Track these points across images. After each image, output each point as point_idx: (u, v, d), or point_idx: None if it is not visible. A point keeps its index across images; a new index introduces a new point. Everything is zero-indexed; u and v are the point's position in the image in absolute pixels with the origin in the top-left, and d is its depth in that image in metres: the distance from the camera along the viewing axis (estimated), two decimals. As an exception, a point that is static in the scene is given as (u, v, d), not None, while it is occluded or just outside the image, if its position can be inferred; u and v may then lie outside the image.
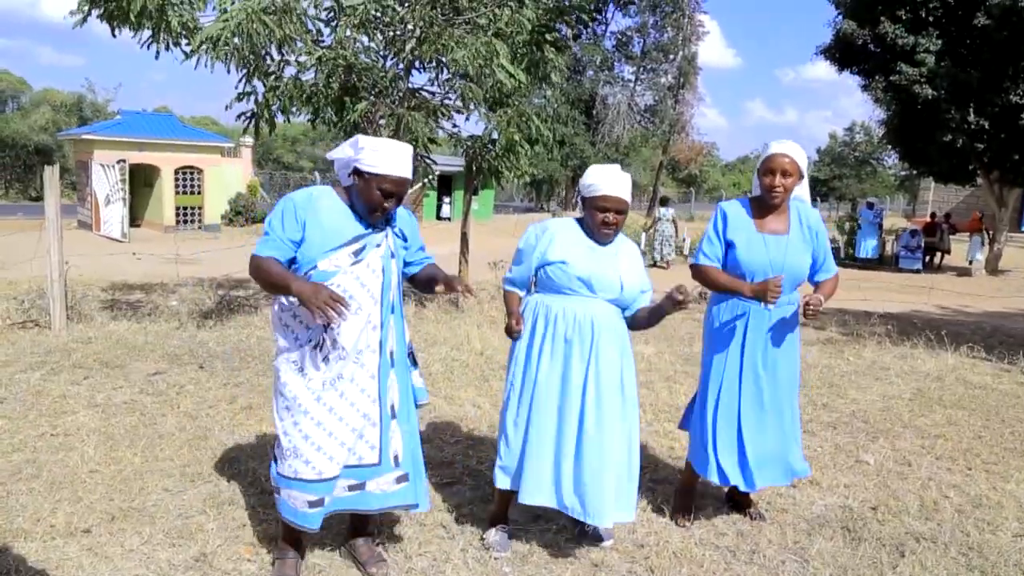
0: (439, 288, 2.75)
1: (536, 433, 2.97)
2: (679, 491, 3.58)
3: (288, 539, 2.89)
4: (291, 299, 2.66)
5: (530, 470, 2.97)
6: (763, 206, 3.24)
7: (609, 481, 2.93)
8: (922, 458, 4.36)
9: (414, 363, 2.99)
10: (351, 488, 2.77)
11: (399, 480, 2.82)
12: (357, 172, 2.65)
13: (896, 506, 3.67)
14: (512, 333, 3.06)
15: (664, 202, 17.37)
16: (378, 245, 2.73)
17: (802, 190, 3.32)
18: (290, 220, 2.65)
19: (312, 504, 2.69)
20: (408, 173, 2.67)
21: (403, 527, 3.27)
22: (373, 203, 2.65)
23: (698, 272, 3.31)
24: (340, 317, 2.48)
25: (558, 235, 3.03)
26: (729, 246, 3.24)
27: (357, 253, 2.68)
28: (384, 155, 2.62)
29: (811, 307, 3.05)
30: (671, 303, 2.87)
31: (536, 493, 2.97)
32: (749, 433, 3.26)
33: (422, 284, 2.96)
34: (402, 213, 2.87)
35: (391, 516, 3.30)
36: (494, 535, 3.16)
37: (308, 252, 2.65)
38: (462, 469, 3.98)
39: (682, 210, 41.94)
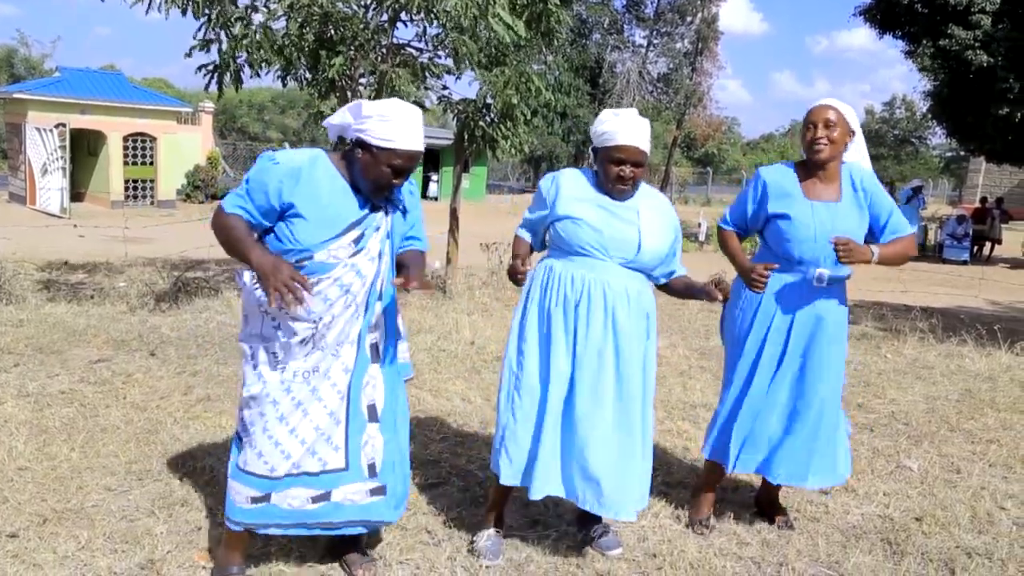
0: (396, 281, 2.63)
1: (537, 416, 2.94)
2: (696, 495, 3.56)
3: (231, 546, 2.83)
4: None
5: (538, 459, 2.93)
6: (811, 169, 3.23)
7: (631, 467, 2.94)
8: (973, 465, 4.33)
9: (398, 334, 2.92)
10: (315, 500, 2.68)
11: (373, 492, 2.76)
12: (361, 145, 2.53)
13: (944, 517, 3.65)
14: (516, 275, 2.93)
15: None
16: (378, 228, 2.65)
17: (859, 154, 3.30)
18: (263, 187, 2.52)
19: (255, 500, 2.66)
20: (422, 144, 2.57)
21: (383, 531, 3.22)
22: (380, 182, 2.55)
23: (719, 236, 3.50)
24: (299, 304, 2.41)
25: (564, 187, 2.99)
26: (773, 217, 3.23)
27: (358, 240, 2.59)
28: (396, 125, 2.50)
29: (840, 246, 2.96)
30: (706, 295, 2.91)
31: (544, 484, 2.93)
32: (769, 417, 3.28)
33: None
34: (406, 187, 2.77)
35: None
36: (484, 541, 3.13)
37: (302, 236, 2.53)
38: (449, 469, 3.94)
39: (698, 192, 42.10)
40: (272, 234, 2.60)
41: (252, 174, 2.55)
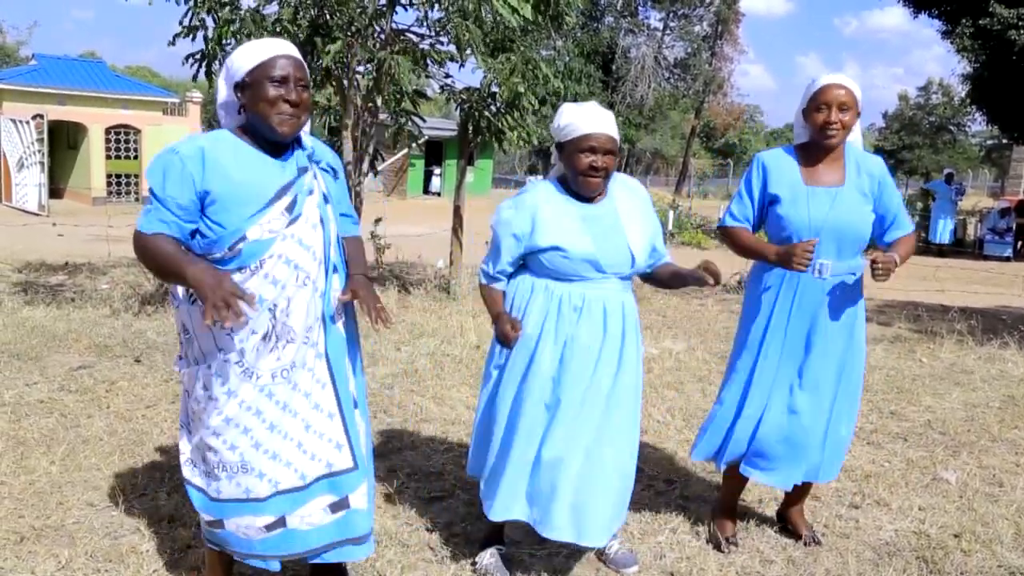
0: (344, 297, 2.60)
1: (525, 442, 2.97)
2: (716, 510, 3.57)
3: (214, 570, 2.79)
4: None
5: (512, 483, 2.99)
6: (813, 153, 3.23)
7: (611, 497, 3.00)
8: (1017, 477, 4.32)
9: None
10: (334, 508, 2.59)
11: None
12: (240, 87, 2.50)
13: (985, 534, 3.63)
14: (508, 341, 2.95)
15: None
16: (311, 191, 2.57)
17: (855, 133, 3.30)
18: (176, 180, 2.41)
19: (270, 527, 2.56)
20: (289, 50, 2.52)
21: (383, 547, 3.23)
22: (272, 108, 2.46)
23: (725, 235, 3.41)
24: (237, 320, 2.30)
25: (540, 211, 2.93)
26: (773, 202, 3.25)
27: (290, 208, 2.50)
28: (252, 46, 2.51)
29: (880, 264, 3.01)
30: (697, 281, 2.89)
31: (509, 507, 3.01)
32: (773, 413, 3.26)
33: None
34: (323, 147, 2.71)
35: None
36: (488, 559, 3.15)
37: (226, 218, 2.43)
38: (453, 481, 3.95)
39: (718, 185, 42.04)
40: (198, 234, 2.49)
41: (155, 175, 2.44)
